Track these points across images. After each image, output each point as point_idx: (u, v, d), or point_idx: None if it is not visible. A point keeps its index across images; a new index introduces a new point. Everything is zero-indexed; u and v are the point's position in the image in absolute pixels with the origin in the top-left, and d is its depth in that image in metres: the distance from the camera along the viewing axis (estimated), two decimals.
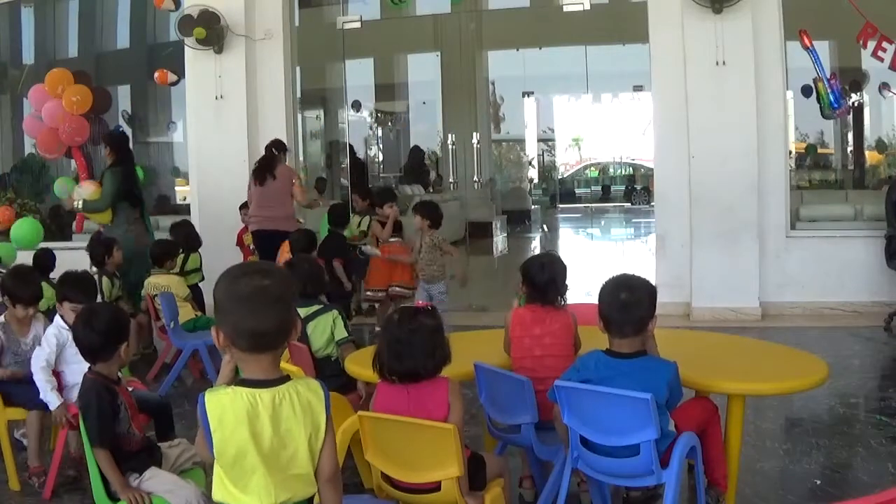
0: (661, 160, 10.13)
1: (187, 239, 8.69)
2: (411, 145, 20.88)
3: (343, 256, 8.70)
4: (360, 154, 19.38)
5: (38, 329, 5.35)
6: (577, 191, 28.27)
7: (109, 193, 8.64)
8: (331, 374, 4.98)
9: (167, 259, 8.08)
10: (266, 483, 2.63)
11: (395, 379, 3.65)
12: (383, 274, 9.17)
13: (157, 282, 7.86)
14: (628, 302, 3.75)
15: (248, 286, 2.63)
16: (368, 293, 9.43)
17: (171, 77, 11.83)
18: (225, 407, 2.62)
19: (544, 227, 20.64)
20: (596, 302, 3.87)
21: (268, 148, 9.42)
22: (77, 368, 4.55)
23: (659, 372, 3.69)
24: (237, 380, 2.69)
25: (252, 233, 9.28)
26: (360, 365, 4.61)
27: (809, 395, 5.97)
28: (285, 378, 2.71)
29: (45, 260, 7.83)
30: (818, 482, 4.97)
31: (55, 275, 6.62)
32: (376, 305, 9.52)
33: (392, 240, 9.21)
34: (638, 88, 18.73)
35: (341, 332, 5.34)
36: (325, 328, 5.29)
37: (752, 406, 5.59)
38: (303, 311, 5.27)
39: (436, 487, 3.56)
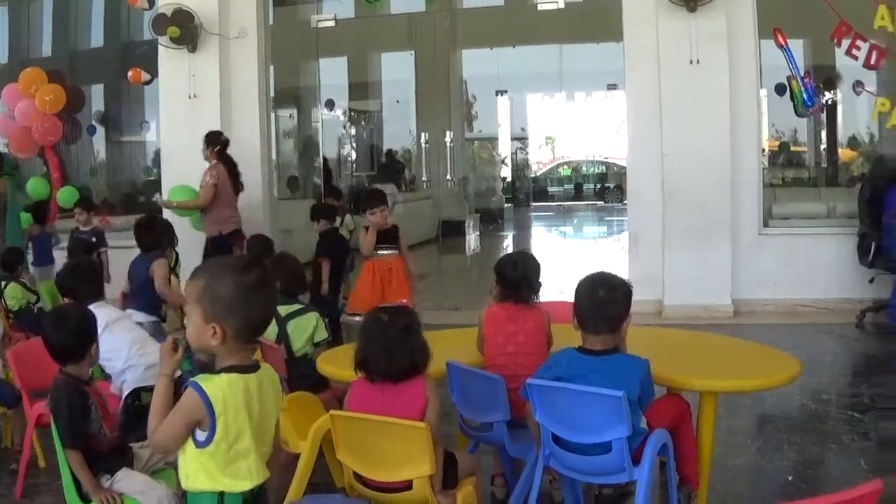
0: (635, 158, 10.15)
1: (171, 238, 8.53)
2: (384, 144, 20.91)
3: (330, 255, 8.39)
4: (333, 153, 19.42)
5: None
6: (550, 189, 28.46)
7: None
8: (305, 372, 4.96)
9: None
10: (257, 462, 2.71)
11: (379, 378, 3.63)
12: (373, 293, 7.26)
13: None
14: (605, 300, 3.75)
15: (256, 278, 2.69)
16: (355, 318, 7.25)
17: (145, 76, 11.76)
18: (225, 392, 2.65)
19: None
20: (569, 300, 3.88)
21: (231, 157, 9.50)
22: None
23: (631, 369, 3.69)
24: (224, 367, 2.71)
25: (239, 231, 9.31)
26: (332, 364, 4.59)
27: (781, 391, 6.00)
28: (258, 362, 2.81)
29: (12, 258, 7.76)
30: (790, 478, 5.00)
31: None
32: None
33: (383, 252, 7.45)
34: (612, 87, 18.86)
35: (322, 334, 5.33)
36: (305, 328, 5.26)
37: (724, 403, 5.59)
38: (283, 310, 5.24)
39: (407, 486, 3.55)
